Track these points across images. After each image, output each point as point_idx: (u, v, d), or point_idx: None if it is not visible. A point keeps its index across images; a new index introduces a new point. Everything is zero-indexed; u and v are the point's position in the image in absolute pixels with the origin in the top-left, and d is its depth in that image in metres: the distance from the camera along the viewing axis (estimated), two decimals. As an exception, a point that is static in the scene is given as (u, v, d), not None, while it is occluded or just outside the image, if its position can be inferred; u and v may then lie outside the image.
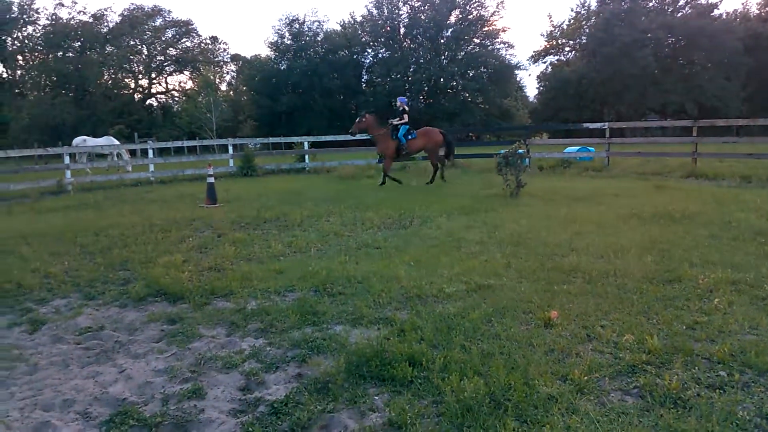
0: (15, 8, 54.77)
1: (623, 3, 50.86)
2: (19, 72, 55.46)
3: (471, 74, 52.73)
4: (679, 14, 51.21)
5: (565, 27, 57.25)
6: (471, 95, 52.20)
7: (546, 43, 58.66)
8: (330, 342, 4.32)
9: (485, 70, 52.98)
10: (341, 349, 4.17)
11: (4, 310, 5.57)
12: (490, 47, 53.71)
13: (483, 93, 51.91)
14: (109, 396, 3.71)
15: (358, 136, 17.25)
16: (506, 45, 55.21)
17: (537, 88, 59.12)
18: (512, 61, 54.64)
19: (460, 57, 53.25)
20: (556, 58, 58.58)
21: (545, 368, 3.71)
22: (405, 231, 8.69)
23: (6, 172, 18.64)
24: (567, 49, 58.36)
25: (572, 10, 57.14)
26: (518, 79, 57.59)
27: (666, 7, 51.68)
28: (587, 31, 54.48)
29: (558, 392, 3.40)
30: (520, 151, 12.84)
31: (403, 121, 15.91)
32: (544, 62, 58.77)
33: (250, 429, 3.19)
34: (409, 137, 15.83)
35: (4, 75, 55.31)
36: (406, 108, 16.18)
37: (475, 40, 53.95)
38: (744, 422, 3.04)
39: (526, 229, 8.34)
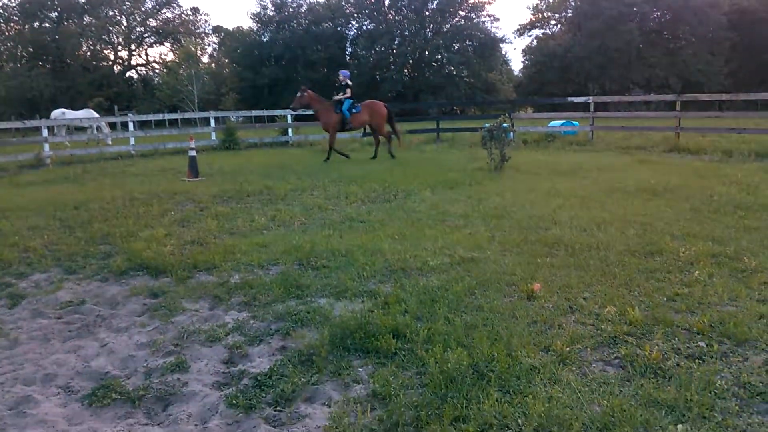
0: (-12, -24, 53.39)
1: (610, -24, 50.54)
2: (-6, 43, 54.18)
3: (456, 47, 52.28)
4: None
5: (550, 0, 56.87)
6: (456, 69, 51.78)
7: (532, 16, 58.33)
8: (314, 315, 4.32)
9: (470, 43, 52.57)
10: (325, 322, 4.17)
11: (-18, 285, 5.49)
12: (475, 20, 53.17)
13: (468, 66, 51.56)
14: (91, 370, 3.69)
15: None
16: (491, 18, 54.96)
17: (522, 62, 58.81)
18: (497, 35, 54.29)
19: (445, 30, 52.73)
20: (542, 31, 58.25)
21: (528, 339, 3.74)
22: (389, 204, 8.67)
23: (-18, 145, 18.26)
24: (552, 22, 58.02)
25: (558, -18, 56.58)
26: (503, 52, 57.16)
27: (652, -20, 51.48)
28: (573, 4, 54.15)
29: (540, 363, 3.43)
30: (505, 125, 12.81)
31: (346, 96, 15.67)
32: (530, 36, 58.48)
33: (234, 401, 3.19)
34: (354, 111, 15.65)
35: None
36: (349, 83, 15.87)
37: (461, 12, 53.36)
38: (722, 391, 3.09)
39: (510, 202, 8.36)
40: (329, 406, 3.14)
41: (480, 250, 5.82)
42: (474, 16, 53.20)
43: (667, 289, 4.60)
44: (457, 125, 23.63)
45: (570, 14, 54.54)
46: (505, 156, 12.13)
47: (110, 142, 22.12)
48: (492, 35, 53.26)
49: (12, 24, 53.70)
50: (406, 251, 5.85)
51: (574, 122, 21.39)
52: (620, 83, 48.37)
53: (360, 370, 3.51)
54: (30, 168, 16.16)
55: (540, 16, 57.82)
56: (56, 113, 25.76)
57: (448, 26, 52.93)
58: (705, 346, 3.63)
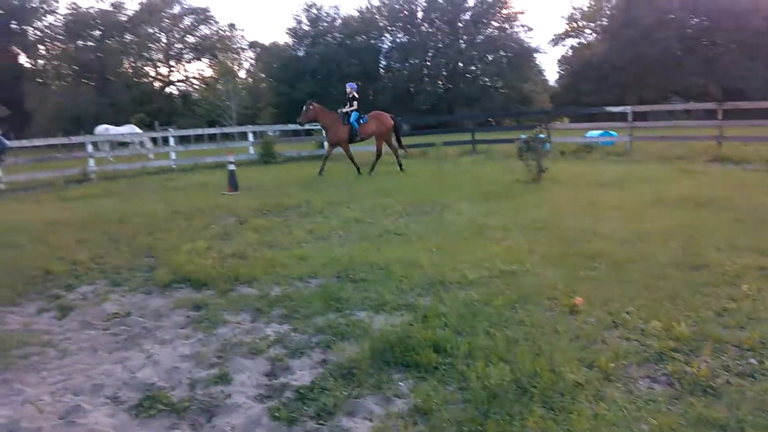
0: (35, -2, 55.36)
1: (645, -17, 49.86)
2: (41, 62, 56.08)
3: (490, 58, 52.24)
4: (703, -6, 50.05)
5: (585, 9, 56.35)
6: (490, 80, 51.73)
7: (566, 26, 57.81)
8: (354, 328, 4.34)
9: (504, 54, 52.43)
10: (365, 335, 4.19)
11: (34, 297, 5.67)
12: (509, 31, 53.09)
13: (502, 77, 51.42)
14: (137, 381, 3.77)
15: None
16: (525, 28, 54.53)
17: (557, 72, 58.34)
18: (531, 45, 54.04)
19: (478, 41, 52.73)
20: (577, 41, 57.66)
21: (571, 355, 3.69)
22: (426, 217, 8.67)
23: (32, 161, 18.89)
24: (587, 31, 57.42)
25: (592, -8, 55.97)
26: (538, 62, 56.83)
27: (689, -13, 50.57)
28: (608, 12, 53.55)
29: (585, 379, 3.38)
30: (541, 135, 12.70)
31: (353, 108, 15.52)
32: (564, 45, 57.88)
33: (277, 414, 3.22)
34: (361, 122, 15.48)
35: (27, 65, 55.96)
36: (356, 95, 15.72)
37: (494, 23, 53.36)
38: (776, 410, 3.00)
39: (548, 214, 8.28)
40: (371, 420, 3.14)
41: (519, 264, 5.77)
42: (508, 27, 53.14)
43: (714, 304, 4.49)
44: (493, 137, 23.46)
45: (605, 23, 53.90)
46: (543, 167, 12.02)
47: (152, 157, 22.65)
48: (526, 46, 53.08)
49: (57, 43, 55.58)
50: (444, 264, 5.84)
51: (612, 132, 21.07)
52: (658, 92, 47.48)
53: (401, 384, 3.51)
54: (76, 182, 16.64)
55: (574, 25, 57.31)
56: (100, 129, 26.54)
57: (481, 37, 52.92)
58: (756, 363, 3.53)
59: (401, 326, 4.24)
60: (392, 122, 15.83)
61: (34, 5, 54.81)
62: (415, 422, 3.08)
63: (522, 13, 54.59)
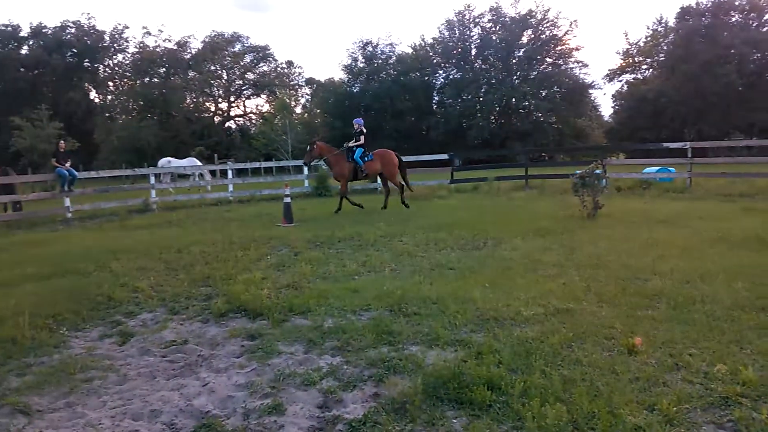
0: (107, 37, 58.52)
1: (704, 19, 48.92)
2: (109, 97, 58.95)
3: (543, 94, 51.98)
4: (765, 29, 48.74)
5: (641, 44, 55.62)
6: (544, 115, 51.35)
7: (622, 61, 57.06)
8: (406, 362, 4.32)
9: (558, 89, 52.13)
10: (418, 370, 4.16)
11: (97, 322, 5.88)
12: (563, 66, 52.83)
13: (556, 112, 51.02)
14: (193, 408, 3.84)
15: (434, 155, 16.83)
16: (580, 64, 53.79)
17: (612, 107, 57.26)
18: (586, 80, 53.56)
19: (532, 77, 52.62)
20: (633, 76, 56.81)
21: (630, 397, 3.58)
22: (479, 252, 8.61)
23: (97, 191, 19.74)
24: (644, 66, 56.58)
25: (648, 27, 55.09)
26: (593, 98, 56.15)
27: (750, 22, 49.31)
28: (665, 48, 52.70)
29: (645, 423, 3.27)
30: (597, 171, 12.50)
31: (359, 143, 15.14)
32: (620, 81, 57.04)
33: (329, 447, 3.22)
34: (366, 159, 15.09)
35: (96, 100, 58.91)
36: (363, 130, 15.32)
37: (548, 59, 53.22)
38: None
39: (605, 251, 8.10)
40: (424, 457, 3.11)
41: (575, 301, 5.66)
42: (562, 63, 52.90)
43: (784, 348, 4.28)
44: (546, 172, 23.23)
45: (662, 58, 53.03)
46: (598, 203, 11.80)
47: (209, 189, 23.33)
48: (581, 81, 52.64)
49: (125, 80, 58.40)
50: (498, 300, 5.77)
51: (670, 168, 20.56)
52: (719, 128, 46.14)
53: (454, 421, 3.47)
54: (138, 212, 17.28)
55: (630, 60, 56.57)
56: (163, 162, 27.58)
57: (535, 73, 52.82)
58: (831, 412, 3.34)
59: (454, 362, 4.20)
60: (398, 160, 15.60)
61: (105, 44, 57.96)
62: (469, 460, 3.03)
63: (577, 49, 54.17)
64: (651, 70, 55.57)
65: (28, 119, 40.76)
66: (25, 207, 17.33)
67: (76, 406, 3.94)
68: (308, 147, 15.37)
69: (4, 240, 12.46)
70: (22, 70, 54.06)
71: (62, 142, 19.71)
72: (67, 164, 17.28)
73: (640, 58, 56.24)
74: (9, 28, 56.66)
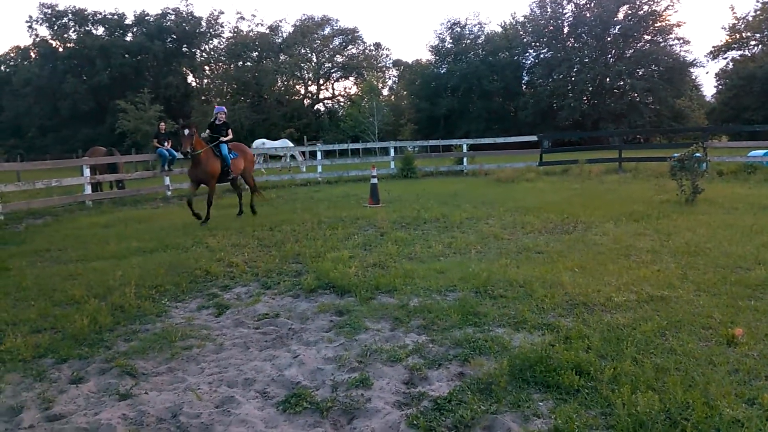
0: (203, 23, 60.84)
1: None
2: (205, 81, 61.37)
3: (640, 73, 49.43)
4: None
5: (750, 19, 51.64)
6: (640, 95, 48.87)
7: (727, 37, 53.20)
8: (492, 344, 4.31)
9: (656, 68, 49.36)
10: (504, 352, 4.15)
11: (195, 294, 6.23)
12: (662, 44, 49.91)
13: (653, 93, 48.42)
14: (284, 378, 4.00)
15: (522, 137, 15.73)
16: (681, 41, 50.61)
17: (715, 86, 53.55)
18: (687, 58, 50.42)
19: (628, 55, 50.15)
20: (739, 53, 52.86)
21: (728, 389, 3.42)
22: (568, 236, 8.40)
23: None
24: (753, 42, 52.55)
25: (758, 0, 50.97)
26: (694, 77, 52.84)
27: None
28: (778, 22, 48.76)
29: (744, 416, 3.12)
30: (697, 154, 11.85)
31: (228, 138, 11.97)
32: (725, 58, 53.23)
33: (415, 422, 3.28)
34: (232, 156, 11.96)
35: (193, 84, 61.51)
36: (227, 123, 12.24)
37: (646, 36, 50.47)
38: None
39: (704, 238, 7.71)
40: (509, 438, 3.11)
41: (671, 289, 5.43)
42: (661, 40, 50.03)
43: None
44: (641, 154, 22.22)
45: (775, 33, 49.13)
46: (698, 188, 11.21)
47: (304, 169, 23.96)
48: (681, 59, 49.65)
49: (220, 64, 60.57)
50: (587, 285, 5.64)
51: (780, 152, 19.15)
52: (839, 108, 42.48)
53: (540, 404, 3.44)
54: (229, 192, 17.97)
55: (737, 36, 52.70)
56: (257, 143, 28.51)
57: (631, 51, 50.32)
58: None
59: (542, 345, 4.15)
60: (252, 156, 13.50)
61: (202, 30, 60.31)
62: (555, 444, 3.01)
63: (678, 25, 51.01)
64: (760, 46, 51.56)
65: (132, 102, 43.13)
66: (128, 185, 18.43)
67: (177, 371, 4.20)
68: (185, 131, 10.77)
69: (112, 216, 13.34)
70: (126, 56, 57.12)
71: (162, 123, 20.77)
72: (167, 145, 18.22)
73: (749, 34, 52.24)
74: (115, 17, 59.94)
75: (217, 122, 11.98)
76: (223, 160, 11.66)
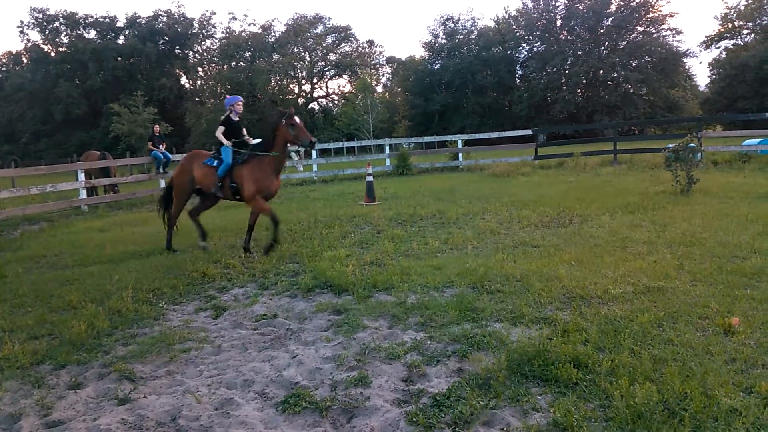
0: (195, 24, 60.70)
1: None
2: (198, 82, 61.24)
3: (634, 64, 49.49)
4: None
5: (741, 8, 51.66)
6: (634, 86, 48.94)
7: (720, 27, 53.27)
8: (490, 339, 4.32)
9: (649, 59, 49.43)
10: (502, 347, 4.16)
11: (192, 297, 6.22)
12: (655, 35, 49.97)
13: (647, 84, 48.49)
14: (283, 379, 4.00)
15: (517, 131, 15.95)
16: (673, 31, 50.66)
17: (709, 76, 53.60)
18: (680, 49, 50.50)
19: (621, 47, 50.21)
20: (732, 42, 52.92)
21: (726, 378, 3.44)
22: (564, 229, 8.41)
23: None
24: (745, 31, 52.61)
25: (750, -12, 50.99)
26: (687, 67, 52.94)
27: None
28: (769, 9, 48.79)
29: (742, 405, 3.14)
30: (692, 144, 11.87)
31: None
32: (718, 48, 53.31)
33: (414, 419, 3.29)
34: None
35: (187, 86, 61.36)
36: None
37: (639, 27, 50.51)
38: None
39: (699, 228, 7.73)
40: (508, 432, 3.12)
41: (667, 280, 5.45)
42: (653, 31, 50.10)
43: None
44: (636, 146, 22.25)
45: (766, 21, 49.16)
46: (693, 178, 11.23)
47: (301, 169, 23.93)
48: (674, 50, 49.72)
49: (213, 65, 60.43)
50: (584, 278, 5.65)
51: (774, 140, 19.20)
52: (832, 95, 42.56)
53: (539, 398, 3.45)
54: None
55: (729, 26, 52.73)
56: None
57: (624, 43, 50.39)
58: None
59: (540, 339, 4.16)
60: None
61: (194, 31, 60.15)
62: (554, 437, 3.02)
63: (671, 16, 51.10)
64: (753, 34, 51.61)
65: (126, 105, 43.05)
66: (123, 188, 18.37)
67: (176, 374, 4.20)
68: (297, 119, 8.31)
69: (107, 220, 13.32)
70: (119, 59, 57.03)
71: (156, 126, 20.72)
72: (162, 147, 18.18)
73: (741, 23, 52.33)
74: (107, 20, 59.82)
75: (234, 117, 9.16)
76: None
